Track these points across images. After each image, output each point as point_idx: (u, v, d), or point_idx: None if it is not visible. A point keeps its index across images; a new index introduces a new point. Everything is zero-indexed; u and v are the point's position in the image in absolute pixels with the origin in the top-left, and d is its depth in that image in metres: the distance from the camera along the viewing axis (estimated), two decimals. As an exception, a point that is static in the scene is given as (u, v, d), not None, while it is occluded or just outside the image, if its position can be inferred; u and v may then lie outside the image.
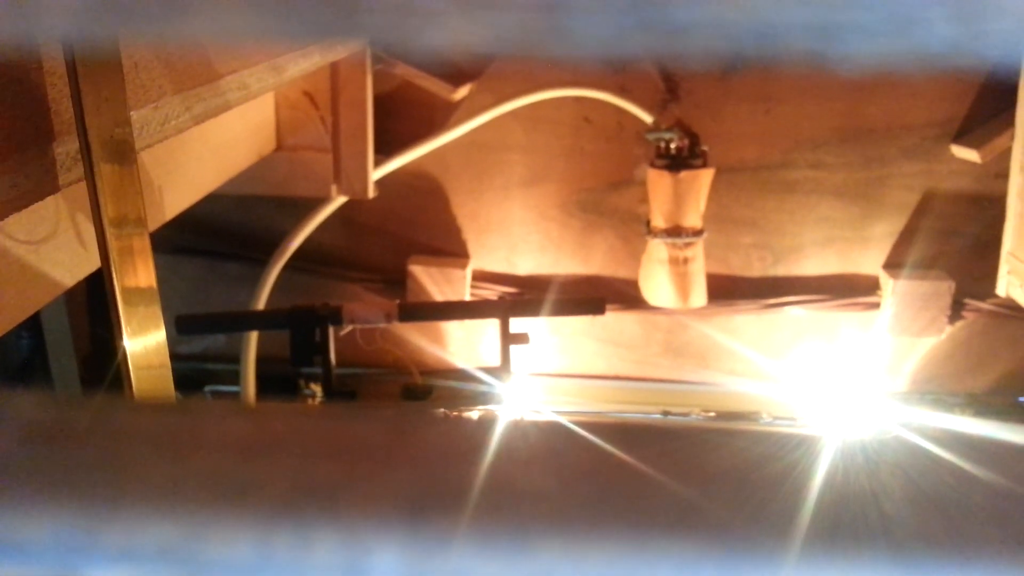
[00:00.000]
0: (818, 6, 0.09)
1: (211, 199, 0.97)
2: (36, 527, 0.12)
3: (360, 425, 0.17)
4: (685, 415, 1.33)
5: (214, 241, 1.39)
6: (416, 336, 1.35)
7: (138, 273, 0.60)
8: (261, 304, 1.26)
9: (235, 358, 1.30)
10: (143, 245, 0.61)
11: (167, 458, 0.14)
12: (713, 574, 0.14)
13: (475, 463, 0.16)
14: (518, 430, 0.18)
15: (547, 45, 0.10)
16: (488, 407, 1.24)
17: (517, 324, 1.38)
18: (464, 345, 1.38)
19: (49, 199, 0.58)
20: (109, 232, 0.57)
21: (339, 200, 1.26)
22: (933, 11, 0.09)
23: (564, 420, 0.19)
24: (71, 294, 1.33)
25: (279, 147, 1.23)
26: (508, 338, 1.13)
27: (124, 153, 0.59)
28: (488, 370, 1.15)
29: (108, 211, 0.57)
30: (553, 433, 0.18)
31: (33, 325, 1.38)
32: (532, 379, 1.40)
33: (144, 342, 0.61)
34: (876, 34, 0.09)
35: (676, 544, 0.14)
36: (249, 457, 0.14)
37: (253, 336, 1.27)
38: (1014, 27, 0.09)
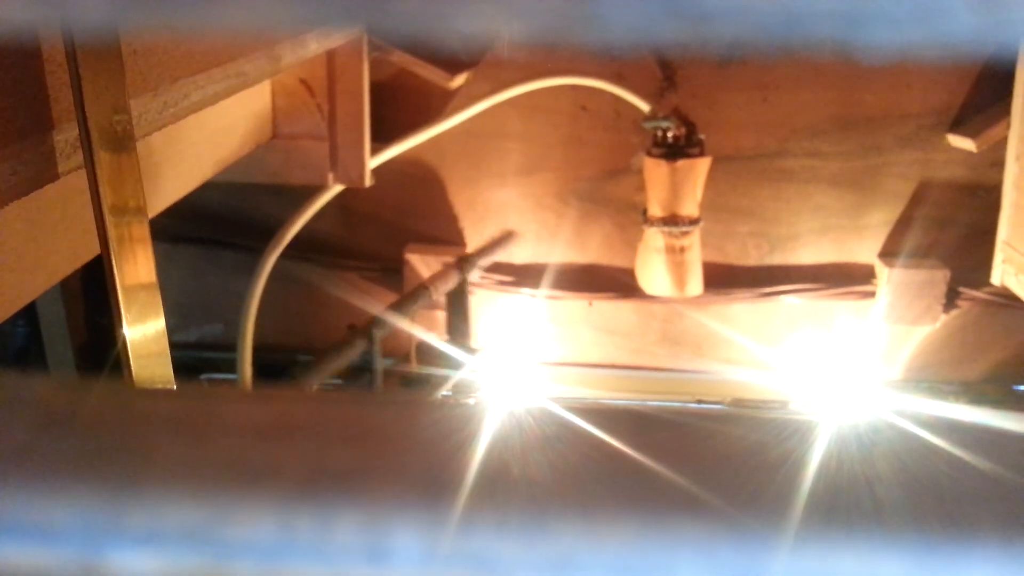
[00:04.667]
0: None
1: (207, 187, 0.97)
2: (61, 510, 0.13)
3: (370, 410, 0.17)
4: (714, 403, 1.33)
5: (210, 229, 1.39)
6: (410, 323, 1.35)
7: (137, 261, 0.60)
8: (257, 294, 1.26)
9: (232, 346, 1.30)
10: (142, 233, 0.61)
11: (186, 442, 0.14)
12: (710, 559, 0.14)
13: (486, 448, 0.16)
14: (524, 416, 0.18)
15: (576, 31, 0.10)
16: (489, 394, 1.26)
17: (510, 311, 1.38)
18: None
19: (47, 186, 0.58)
20: (109, 220, 0.57)
21: (336, 188, 1.25)
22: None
23: (566, 407, 0.19)
24: (66, 282, 1.32)
25: (275, 135, 1.23)
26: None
27: (123, 141, 0.59)
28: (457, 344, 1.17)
29: (107, 199, 0.57)
30: (558, 419, 0.18)
31: (29, 314, 1.37)
32: (529, 367, 1.41)
33: (143, 330, 0.61)
34: (901, 23, 0.10)
35: (674, 529, 0.14)
36: (266, 441, 0.14)
37: (250, 324, 1.27)
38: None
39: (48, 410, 0.15)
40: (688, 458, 0.16)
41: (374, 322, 1.03)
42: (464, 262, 1.21)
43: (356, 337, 0.99)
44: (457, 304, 1.18)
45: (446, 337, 1.23)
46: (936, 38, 0.10)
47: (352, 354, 0.98)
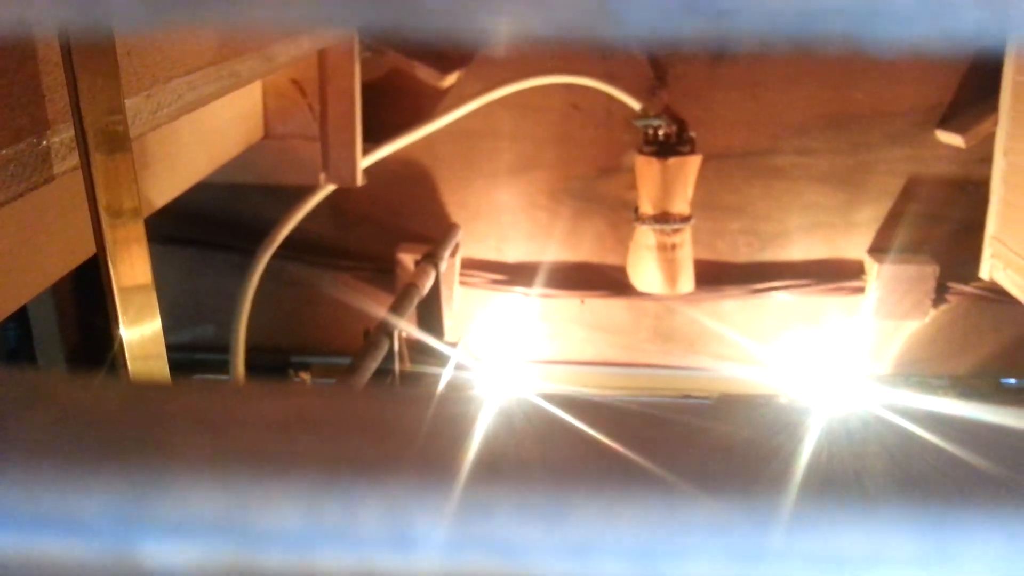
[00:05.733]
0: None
1: (198, 188, 0.97)
2: (89, 503, 0.13)
3: (383, 404, 0.17)
4: (702, 398, 1.34)
5: (201, 230, 1.39)
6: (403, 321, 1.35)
7: (134, 262, 0.60)
8: (250, 295, 1.26)
9: (224, 347, 1.30)
10: (138, 234, 0.61)
11: (208, 435, 0.14)
12: (700, 552, 0.14)
13: (499, 436, 0.16)
14: (531, 407, 0.19)
15: (597, 28, 0.10)
16: (481, 388, 1.26)
17: (503, 309, 1.39)
18: (453, 328, 1.38)
19: (42, 188, 0.58)
20: (105, 221, 0.57)
21: (327, 188, 1.26)
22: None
23: (567, 401, 0.19)
24: (58, 284, 1.32)
25: (266, 135, 1.23)
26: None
27: (119, 142, 0.59)
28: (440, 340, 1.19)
29: (103, 200, 0.57)
30: (561, 408, 0.19)
31: (20, 316, 1.37)
32: (522, 365, 1.41)
33: (140, 331, 0.61)
34: (909, 18, 0.10)
35: (667, 524, 0.15)
36: (287, 433, 0.15)
37: (242, 325, 1.27)
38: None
39: (67, 405, 0.16)
40: (675, 454, 0.17)
41: (388, 324, 1.04)
42: (434, 257, 1.23)
43: (380, 338, 1.01)
44: (428, 300, 1.19)
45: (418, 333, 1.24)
46: (943, 33, 0.10)
47: (381, 355, 1.00)
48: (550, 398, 0.19)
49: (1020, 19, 0.10)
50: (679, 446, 0.17)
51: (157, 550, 0.12)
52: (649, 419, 0.19)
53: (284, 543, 0.12)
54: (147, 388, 0.17)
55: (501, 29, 0.10)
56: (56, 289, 1.36)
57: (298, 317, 1.43)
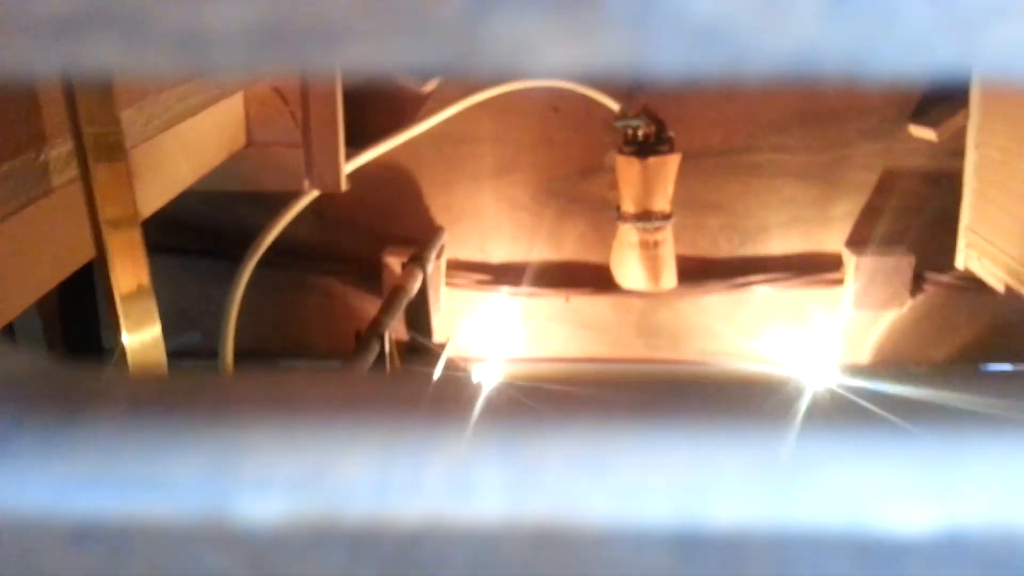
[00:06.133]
0: (848, 33, 0.11)
1: (182, 196, 0.97)
2: (179, 465, 0.14)
3: (427, 381, 0.19)
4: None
5: (186, 239, 1.39)
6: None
7: (133, 270, 0.61)
8: (236, 301, 1.27)
9: (211, 354, 1.31)
10: (136, 242, 0.62)
11: (277, 410, 0.16)
12: (731, 485, 0.16)
13: (537, 400, 0.18)
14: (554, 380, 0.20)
15: (630, 68, 0.11)
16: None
17: (488, 309, 1.40)
18: (440, 328, 1.39)
19: (40, 200, 0.59)
20: (105, 230, 0.58)
21: (311, 194, 1.26)
22: (941, 35, 0.11)
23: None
24: (42, 296, 1.32)
25: (249, 143, 1.23)
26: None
27: (115, 152, 0.60)
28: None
29: (102, 210, 0.58)
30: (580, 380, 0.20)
31: (5, 327, 1.36)
32: (508, 363, 1.42)
33: (141, 337, 0.62)
34: (895, 56, 0.12)
35: (698, 464, 0.16)
36: (350, 406, 0.16)
37: (230, 332, 1.28)
38: (1006, 48, 0.11)
39: (141, 391, 0.17)
40: (693, 404, 0.18)
41: (380, 326, 1.06)
42: (420, 259, 1.24)
43: (371, 340, 1.02)
44: (416, 301, 1.21)
45: (408, 334, 1.26)
46: (926, 67, 0.12)
47: (372, 357, 1.01)
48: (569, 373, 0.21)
49: (992, 53, 0.11)
50: (687, 400, 0.18)
51: (247, 506, 0.14)
52: (653, 380, 0.20)
53: (360, 494, 0.14)
54: (209, 377, 0.18)
55: (538, 69, 0.11)
56: (40, 300, 1.35)
57: (285, 322, 1.44)
